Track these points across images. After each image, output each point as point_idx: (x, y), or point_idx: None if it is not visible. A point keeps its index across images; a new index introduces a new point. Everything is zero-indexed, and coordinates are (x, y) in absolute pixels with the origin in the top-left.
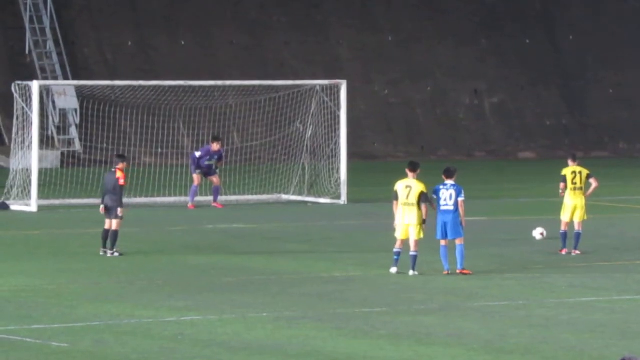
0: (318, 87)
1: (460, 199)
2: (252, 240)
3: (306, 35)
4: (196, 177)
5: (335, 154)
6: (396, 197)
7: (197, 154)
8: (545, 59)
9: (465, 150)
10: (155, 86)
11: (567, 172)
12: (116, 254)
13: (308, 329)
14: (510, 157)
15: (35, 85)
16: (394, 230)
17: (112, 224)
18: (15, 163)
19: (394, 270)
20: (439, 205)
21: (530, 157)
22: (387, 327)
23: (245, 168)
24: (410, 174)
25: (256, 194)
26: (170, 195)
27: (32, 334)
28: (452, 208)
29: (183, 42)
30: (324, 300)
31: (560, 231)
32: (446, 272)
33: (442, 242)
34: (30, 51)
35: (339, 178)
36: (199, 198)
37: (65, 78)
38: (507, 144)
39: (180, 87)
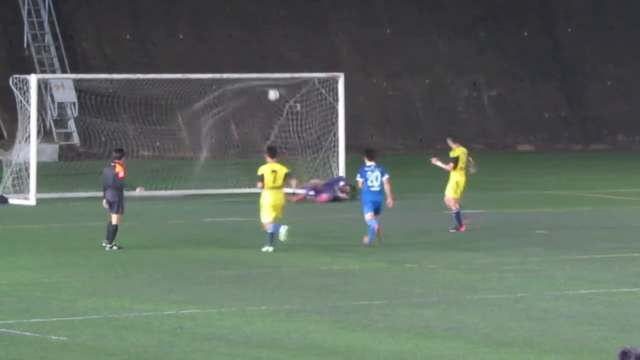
0: (316, 80)
1: (385, 178)
2: (251, 234)
3: (305, 29)
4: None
5: (333, 147)
6: (262, 180)
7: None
8: (544, 51)
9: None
10: (153, 79)
11: (459, 153)
12: (114, 248)
13: (307, 322)
14: (509, 150)
15: (33, 79)
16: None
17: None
18: (13, 156)
19: (270, 249)
20: (367, 187)
21: (529, 149)
22: (386, 320)
23: (243, 161)
24: (270, 160)
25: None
26: (168, 188)
27: (31, 327)
28: (378, 189)
29: (181, 36)
30: (323, 294)
31: (454, 210)
32: (375, 241)
33: (368, 216)
34: (28, 45)
35: (337, 171)
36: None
37: (64, 71)
38: (506, 136)
39: (178, 80)
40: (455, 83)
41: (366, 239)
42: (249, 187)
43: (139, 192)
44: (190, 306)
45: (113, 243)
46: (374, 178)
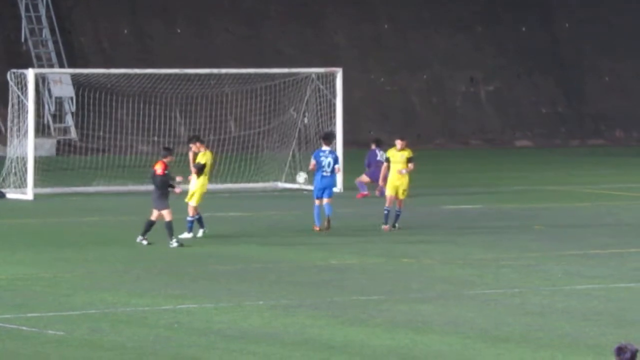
0: (314, 75)
1: (337, 166)
2: (249, 229)
3: (303, 24)
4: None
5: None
6: (203, 169)
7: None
8: (542, 47)
9: (462, 139)
10: (151, 74)
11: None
12: (175, 244)
13: (304, 317)
14: (507, 146)
15: (30, 74)
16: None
17: (157, 214)
18: (11, 151)
19: (189, 235)
20: (320, 171)
21: (526, 145)
22: (383, 315)
23: (242, 156)
24: (205, 149)
25: (252, 182)
26: None
27: (28, 322)
28: (329, 174)
29: (179, 31)
30: (321, 289)
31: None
32: (317, 229)
33: (317, 202)
34: (26, 39)
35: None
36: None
37: (61, 66)
38: (504, 132)
39: (176, 75)
40: (453, 78)
41: (316, 228)
42: (247, 182)
43: (178, 192)
44: (187, 301)
45: (173, 239)
46: (327, 164)
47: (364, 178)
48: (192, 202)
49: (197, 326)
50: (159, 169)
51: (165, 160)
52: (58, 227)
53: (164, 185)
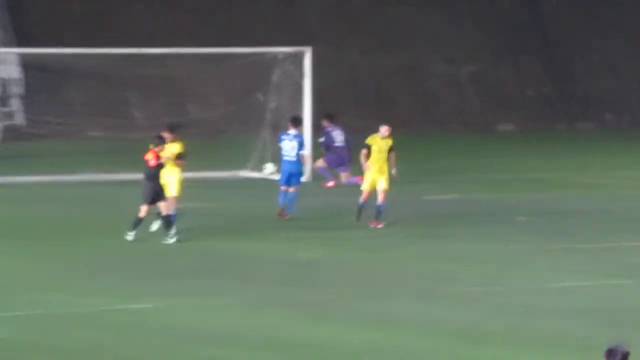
0: (280, 55)
1: (302, 152)
2: (212, 221)
3: (274, 1)
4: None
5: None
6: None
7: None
8: (527, 25)
9: (440, 122)
10: (105, 54)
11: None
12: (131, 237)
13: (271, 315)
14: (488, 129)
15: None
16: None
17: (164, 205)
18: None
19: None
20: (282, 155)
21: (509, 129)
22: (356, 312)
23: (203, 142)
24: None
25: (215, 170)
26: (120, 172)
27: None
28: (294, 159)
29: (138, 8)
30: (290, 285)
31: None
32: (280, 209)
33: (283, 188)
34: None
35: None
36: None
37: (9, 46)
38: (485, 115)
39: (132, 55)
40: (431, 59)
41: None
42: (209, 169)
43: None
44: (145, 299)
45: (169, 234)
46: (290, 148)
47: (321, 163)
48: (173, 192)
49: (155, 326)
50: (151, 159)
51: (157, 149)
52: (2, 220)
53: (155, 177)
